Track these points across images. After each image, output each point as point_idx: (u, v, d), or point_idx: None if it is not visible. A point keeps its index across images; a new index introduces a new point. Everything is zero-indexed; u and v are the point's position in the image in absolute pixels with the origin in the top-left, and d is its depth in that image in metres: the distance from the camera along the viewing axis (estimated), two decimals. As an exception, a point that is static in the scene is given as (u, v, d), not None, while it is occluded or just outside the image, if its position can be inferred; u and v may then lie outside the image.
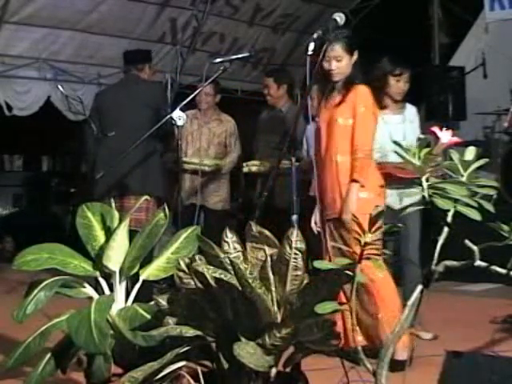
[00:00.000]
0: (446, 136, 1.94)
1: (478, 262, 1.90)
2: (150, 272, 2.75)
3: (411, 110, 4.56)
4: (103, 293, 2.74)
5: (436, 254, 1.94)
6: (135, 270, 2.75)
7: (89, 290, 2.75)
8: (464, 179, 1.87)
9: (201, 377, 2.15)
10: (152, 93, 5.15)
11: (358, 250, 1.94)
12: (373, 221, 1.94)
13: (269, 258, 2.18)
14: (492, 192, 1.87)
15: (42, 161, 10.32)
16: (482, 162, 1.91)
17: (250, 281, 2.05)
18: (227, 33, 9.40)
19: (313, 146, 5.83)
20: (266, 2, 9.28)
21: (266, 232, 2.29)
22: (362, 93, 3.72)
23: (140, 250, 2.71)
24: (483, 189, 1.86)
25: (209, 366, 2.25)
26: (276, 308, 2.14)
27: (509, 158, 6.77)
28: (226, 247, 2.25)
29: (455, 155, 1.91)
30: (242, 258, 2.23)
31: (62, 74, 8.32)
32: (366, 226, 1.91)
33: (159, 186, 5.01)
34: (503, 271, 1.93)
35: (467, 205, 1.82)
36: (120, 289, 2.74)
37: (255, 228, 2.28)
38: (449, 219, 1.89)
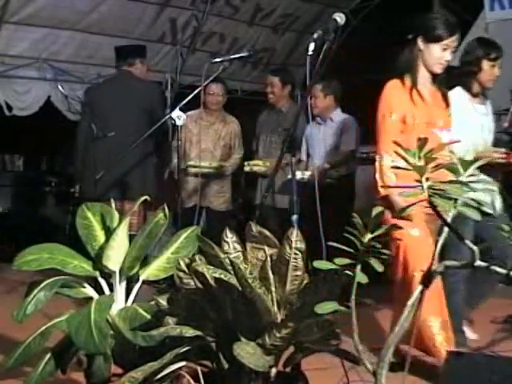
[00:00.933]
0: (446, 136, 1.94)
1: (478, 262, 1.90)
2: (150, 272, 2.76)
3: (489, 102, 4.23)
4: (103, 293, 2.74)
5: (436, 254, 1.94)
6: (135, 270, 2.76)
7: (89, 289, 2.75)
8: (464, 179, 1.87)
9: (201, 377, 2.15)
10: (148, 93, 5.05)
11: None
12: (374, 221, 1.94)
13: (269, 258, 2.18)
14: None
15: (41, 161, 10.32)
16: (481, 162, 1.91)
17: (250, 281, 2.05)
18: (227, 33, 9.40)
19: (313, 146, 5.86)
20: (266, 1, 9.28)
21: (266, 232, 2.29)
22: (450, 95, 3.58)
23: (140, 249, 2.71)
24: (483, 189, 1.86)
25: (209, 366, 2.25)
26: (276, 308, 2.14)
27: (509, 158, 6.77)
28: (225, 247, 2.25)
29: (455, 155, 1.91)
30: (241, 258, 2.24)
31: (61, 73, 8.32)
32: None
33: (153, 188, 4.99)
34: (503, 271, 1.92)
35: (467, 205, 1.82)
36: (120, 289, 2.74)
37: (255, 228, 2.28)
38: (449, 219, 1.89)
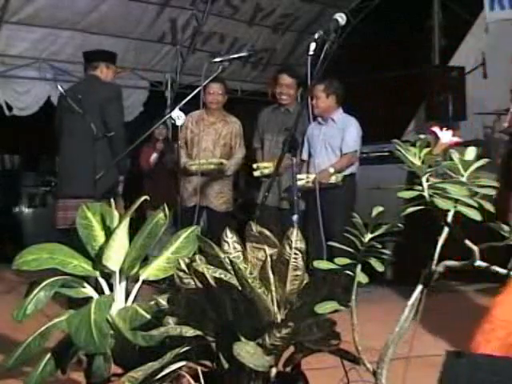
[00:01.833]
0: (446, 136, 1.94)
1: (478, 262, 1.90)
2: (150, 272, 2.76)
3: None
4: (103, 293, 2.74)
5: (436, 254, 1.94)
6: (135, 270, 2.76)
7: (89, 289, 2.75)
8: (464, 179, 1.87)
9: (201, 377, 2.15)
10: (104, 94, 5.12)
11: None
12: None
13: (269, 258, 2.18)
14: (492, 192, 1.87)
15: (41, 161, 10.32)
16: (481, 162, 1.90)
17: (250, 281, 2.05)
18: (227, 33, 9.40)
19: (314, 146, 5.85)
20: (266, 1, 9.29)
21: (266, 232, 2.28)
22: None
23: (140, 249, 2.71)
24: (483, 189, 1.86)
25: (209, 366, 2.24)
26: (276, 308, 2.14)
27: (509, 158, 6.77)
28: (226, 247, 2.25)
29: (455, 155, 1.90)
30: (241, 258, 2.23)
31: (61, 73, 8.33)
32: None
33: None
34: (503, 271, 1.92)
35: (467, 205, 1.82)
36: (120, 289, 2.74)
37: (255, 228, 2.28)
38: (449, 219, 1.89)
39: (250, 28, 9.58)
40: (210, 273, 2.13)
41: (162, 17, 8.78)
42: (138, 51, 9.02)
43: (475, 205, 1.82)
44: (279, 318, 2.13)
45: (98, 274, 2.74)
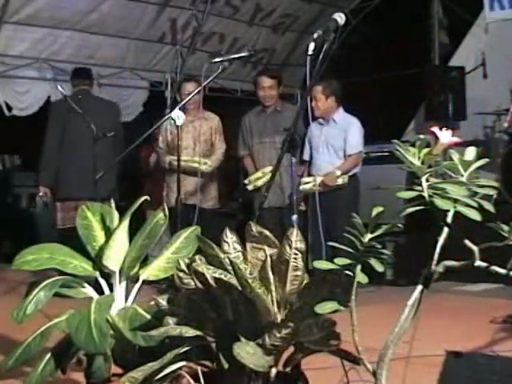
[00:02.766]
0: (445, 136, 1.94)
1: (478, 262, 1.90)
2: (150, 272, 2.76)
3: None
4: (103, 293, 2.74)
5: (436, 254, 1.94)
6: (135, 270, 2.76)
7: (89, 289, 2.75)
8: (464, 179, 1.87)
9: (201, 377, 2.15)
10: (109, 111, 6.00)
11: None
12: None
13: (269, 258, 2.18)
14: (492, 192, 1.87)
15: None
16: (482, 161, 1.91)
17: (250, 281, 2.05)
18: (227, 33, 9.40)
19: (316, 147, 5.83)
20: (266, 1, 9.28)
21: (266, 232, 2.28)
22: None
23: (140, 249, 2.71)
24: (483, 189, 1.86)
25: (209, 366, 2.24)
26: (276, 308, 2.14)
27: (509, 158, 6.77)
28: (225, 247, 2.25)
29: (455, 155, 1.91)
30: (241, 258, 2.23)
31: (61, 73, 8.31)
32: None
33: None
34: (503, 271, 1.92)
35: (467, 205, 1.82)
36: (120, 289, 2.74)
37: (255, 228, 2.28)
38: (449, 219, 1.89)
39: (250, 28, 9.58)
40: (210, 273, 2.14)
41: (161, 17, 8.77)
42: (138, 51, 9.01)
43: (475, 205, 1.82)
44: (279, 318, 2.13)
45: (98, 273, 2.74)
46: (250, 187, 5.87)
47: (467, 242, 1.88)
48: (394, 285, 6.15)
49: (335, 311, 2.01)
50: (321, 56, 3.30)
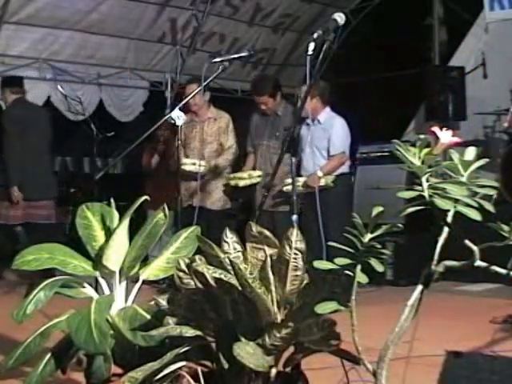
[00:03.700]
0: (446, 136, 1.94)
1: (478, 262, 1.90)
2: (150, 272, 2.76)
3: None
4: (103, 293, 2.74)
5: (436, 254, 1.94)
6: (135, 270, 2.75)
7: (89, 289, 2.75)
8: (464, 179, 1.87)
9: (201, 377, 2.15)
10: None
11: None
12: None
13: (269, 258, 2.18)
14: (492, 192, 1.87)
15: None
16: (482, 162, 1.91)
17: (250, 281, 2.05)
18: (227, 33, 9.39)
19: (302, 147, 5.82)
20: (266, 1, 9.28)
21: (266, 232, 2.29)
22: None
23: (140, 249, 2.71)
24: (483, 189, 1.86)
25: (209, 366, 2.24)
26: (276, 308, 2.14)
27: (509, 158, 6.77)
28: (226, 247, 2.25)
29: (455, 155, 1.91)
30: (241, 258, 2.23)
31: (61, 73, 8.32)
32: None
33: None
34: (503, 271, 1.92)
35: (467, 205, 1.82)
36: (120, 289, 2.74)
37: (255, 228, 2.28)
38: (449, 219, 1.89)
39: (250, 28, 9.57)
40: (210, 273, 2.13)
41: (161, 17, 8.77)
42: (138, 51, 9.01)
43: (475, 205, 1.82)
44: (279, 318, 2.13)
45: (97, 274, 2.74)
46: (231, 182, 5.88)
47: (467, 241, 1.88)
48: (394, 285, 6.15)
49: (335, 311, 2.01)
50: (321, 56, 3.30)
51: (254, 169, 6.01)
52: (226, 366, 2.14)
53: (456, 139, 1.94)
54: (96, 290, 2.77)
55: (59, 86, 5.49)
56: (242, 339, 2.09)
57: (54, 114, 8.30)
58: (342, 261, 1.98)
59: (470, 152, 1.92)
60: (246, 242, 2.28)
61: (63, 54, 8.45)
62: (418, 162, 1.86)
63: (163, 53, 9.22)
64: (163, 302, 2.32)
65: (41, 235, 5.83)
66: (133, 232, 2.75)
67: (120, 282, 2.74)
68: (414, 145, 1.90)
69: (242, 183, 5.82)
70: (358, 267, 1.98)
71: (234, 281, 2.09)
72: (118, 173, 10.77)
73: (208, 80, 4.31)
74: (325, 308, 1.98)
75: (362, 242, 1.96)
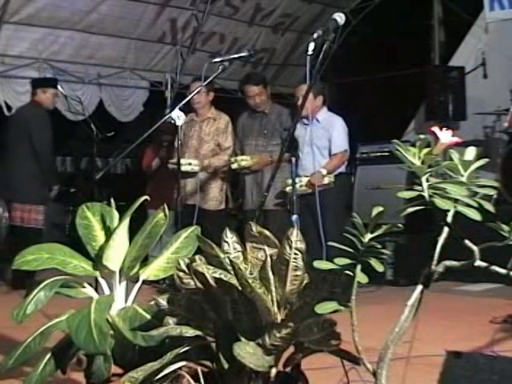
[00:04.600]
0: (446, 136, 1.94)
1: (478, 262, 1.90)
2: (150, 272, 2.75)
3: None
4: (103, 293, 2.74)
5: (436, 254, 1.94)
6: (135, 270, 2.75)
7: (89, 289, 2.75)
8: (464, 179, 1.87)
9: (201, 377, 2.15)
10: (27, 117, 6.27)
11: None
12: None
13: (269, 258, 2.18)
14: (492, 192, 1.87)
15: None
16: (481, 162, 1.91)
17: (250, 281, 2.05)
18: (227, 33, 9.40)
19: (300, 147, 5.82)
20: (266, 1, 9.29)
21: (266, 232, 2.28)
22: None
23: (140, 249, 2.71)
24: (483, 189, 1.86)
25: (209, 366, 2.24)
26: (276, 308, 2.13)
27: (509, 158, 6.77)
28: (226, 247, 2.25)
29: (455, 155, 1.91)
30: (241, 258, 2.23)
31: (61, 73, 8.32)
32: None
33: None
34: (503, 271, 1.92)
35: (467, 205, 1.82)
36: (120, 289, 2.74)
37: (255, 228, 2.28)
38: (449, 219, 1.89)
39: (250, 28, 9.58)
40: (210, 273, 2.13)
41: (161, 17, 8.78)
42: (138, 51, 9.01)
43: (475, 205, 1.82)
44: (279, 318, 2.13)
45: (97, 274, 2.74)
46: (234, 165, 5.88)
47: (467, 242, 1.88)
48: (394, 285, 6.15)
49: (335, 311, 2.01)
50: (321, 56, 3.30)
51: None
52: (225, 365, 2.14)
53: (456, 139, 1.94)
54: (96, 290, 2.77)
55: (59, 86, 5.49)
56: (242, 339, 2.09)
57: (53, 113, 8.32)
58: (341, 261, 1.98)
59: (470, 152, 1.92)
60: (246, 242, 2.28)
61: (63, 54, 8.46)
62: (417, 162, 1.86)
63: (163, 53, 9.23)
64: (163, 301, 2.31)
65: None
66: (133, 232, 2.75)
67: (120, 282, 2.74)
68: (413, 145, 1.90)
69: (243, 163, 5.82)
70: (358, 267, 1.98)
71: (234, 281, 2.09)
72: (118, 173, 10.79)
73: (208, 80, 4.32)
74: (325, 308, 1.98)
75: (362, 242, 1.96)
